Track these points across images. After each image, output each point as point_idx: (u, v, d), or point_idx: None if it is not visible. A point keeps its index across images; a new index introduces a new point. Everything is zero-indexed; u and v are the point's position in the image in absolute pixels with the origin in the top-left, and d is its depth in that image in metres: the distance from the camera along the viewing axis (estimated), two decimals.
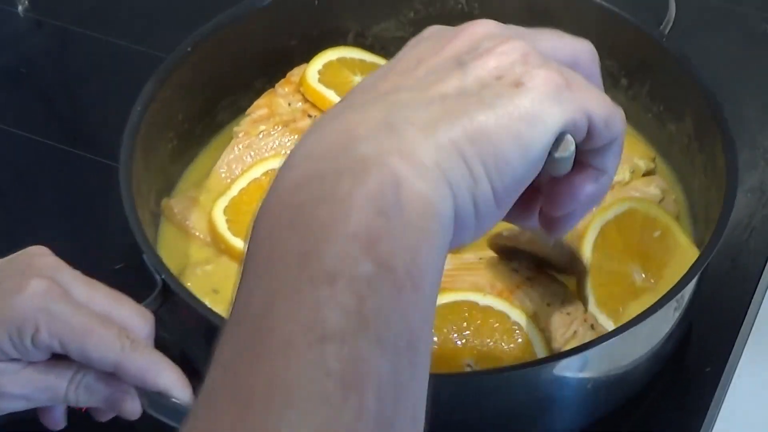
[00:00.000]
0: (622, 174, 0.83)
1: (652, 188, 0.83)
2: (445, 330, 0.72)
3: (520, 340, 0.72)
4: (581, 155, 0.51)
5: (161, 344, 0.65)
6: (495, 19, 0.50)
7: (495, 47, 0.47)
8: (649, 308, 0.67)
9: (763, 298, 0.85)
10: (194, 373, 0.63)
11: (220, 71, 0.91)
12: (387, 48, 0.97)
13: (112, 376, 0.62)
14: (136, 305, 0.65)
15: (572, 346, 0.68)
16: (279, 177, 0.45)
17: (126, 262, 0.72)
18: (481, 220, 0.46)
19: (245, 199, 0.83)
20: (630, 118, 0.89)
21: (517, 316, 0.73)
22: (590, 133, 0.49)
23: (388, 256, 0.41)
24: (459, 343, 0.72)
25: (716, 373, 0.79)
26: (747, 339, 0.82)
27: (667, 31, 0.86)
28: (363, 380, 0.39)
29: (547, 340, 0.73)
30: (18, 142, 1.00)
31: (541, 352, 0.72)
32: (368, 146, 0.43)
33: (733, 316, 0.83)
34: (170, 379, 0.61)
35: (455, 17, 0.95)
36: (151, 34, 1.10)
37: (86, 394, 0.63)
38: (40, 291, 0.60)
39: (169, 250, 0.82)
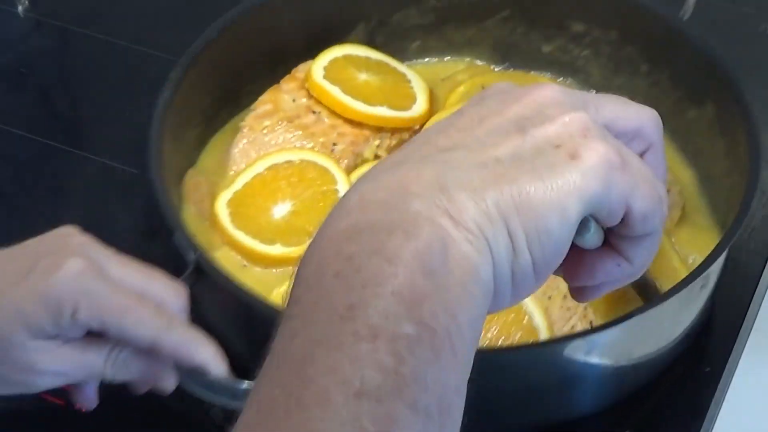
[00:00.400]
0: None
1: None
2: None
3: (522, 319, 0.73)
4: (611, 236, 0.50)
5: (194, 322, 0.66)
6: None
7: (558, 116, 0.47)
8: (674, 287, 0.68)
9: (763, 299, 0.85)
10: (226, 351, 0.65)
11: (244, 59, 0.92)
12: (396, 43, 0.97)
13: (147, 351, 0.63)
14: (169, 281, 0.66)
15: None
16: (330, 222, 0.45)
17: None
18: (517, 289, 0.46)
19: (249, 192, 0.84)
20: (645, 103, 0.91)
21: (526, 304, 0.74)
22: (625, 221, 0.48)
23: (431, 317, 0.42)
24: None
25: (716, 373, 0.79)
26: (747, 339, 0.82)
27: (686, 17, 0.87)
28: None
29: (550, 327, 0.74)
30: (18, 142, 1.00)
31: (543, 335, 0.73)
32: (420, 204, 0.44)
33: (733, 316, 0.83)
34: (206, 355, 0.63)
35: (476, 6, 0.96)
36: (151, 34, 1.10)
37: (123, 369, 0.64)
38: (77, 270, 0.61)
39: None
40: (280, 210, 0.83)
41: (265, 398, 0.41)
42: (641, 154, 0.51)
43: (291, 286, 0.45)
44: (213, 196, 0.85)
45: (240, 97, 0.93)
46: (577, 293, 0.54)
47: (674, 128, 0.88)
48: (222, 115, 0.93)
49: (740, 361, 0.81)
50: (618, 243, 0.50)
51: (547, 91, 0.48)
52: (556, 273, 0.50)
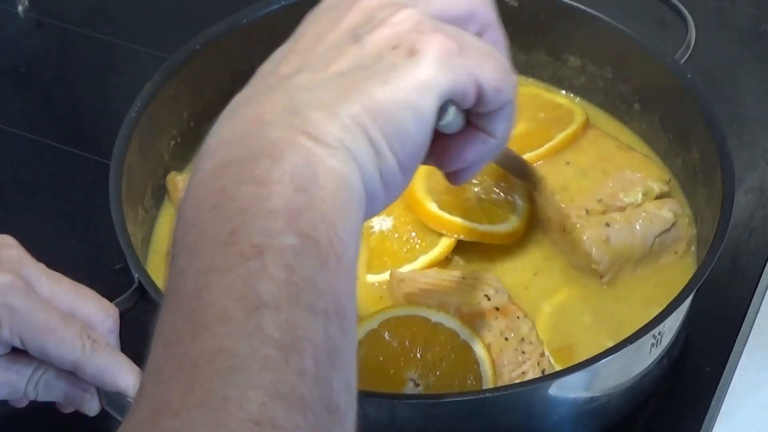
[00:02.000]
0: (635, 196, 0.81)
1: (664, 211, 0.81)
2: (393, 342, 0.73)
3: (467, 362, 0.72)
4: (471, 117, 0.52)
5: (134, 343, 0.65)
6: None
7: (388, 17, 0.48)
8: (626, 339, 0.67)
9: (763, 299, 0.85)
10: None
11: (229, 71, 0.91)
12: None
13: (72, 373, 0.62)
14: (99, 300, 0.65)
15: None
16: (197, 165, 0.46)
17: (126, 262, 0.73)
18: (389, 190, 0.48)
19: None
20: (648, 139, 0.90)
21: (468, 336, 0.73)
22: (479, 98, 0.50)
23: (311, 228, 0.43)
24: (404, 356, 0.72)
25: (716, 373, 0.79)
26: (747, 339, 0.82)
27: (684, 58, 0.86)
28: (301, 344, 0.41)
29: (497, 371, 0.72)
30: (18, 142, 1.00)
31: (486, 378, 0.71)
32: (278, 130, 0.45)
33: (733, 316, 0.83)
34: (128, 380, 0.62)
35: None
36: (152, 34, 1.10)
37: (45, 390, 0.63)
38: (3, 285, 0.60)
39: (164, 227, 0.85)
40: None
41: (168, 331, 0.42)
42: (480, 35, 0.53)
43: (173, 231, 0.46)
44: None
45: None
46: (452, 178, 0.56)
47: (674, 168, 0.87)
48: (206, 129, 0.92)
49: (740, 361, 0.81)
50: (478, 120, 0.52)
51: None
52: (426, 162, 0.52)
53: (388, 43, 0.48)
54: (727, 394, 0.79)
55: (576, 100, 0.95)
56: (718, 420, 0.77)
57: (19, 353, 0.62)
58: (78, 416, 0.71)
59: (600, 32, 0.89)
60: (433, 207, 0.81)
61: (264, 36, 0.90)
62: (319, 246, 0.43)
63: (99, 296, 0.65)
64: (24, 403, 0.67)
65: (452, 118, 0.51)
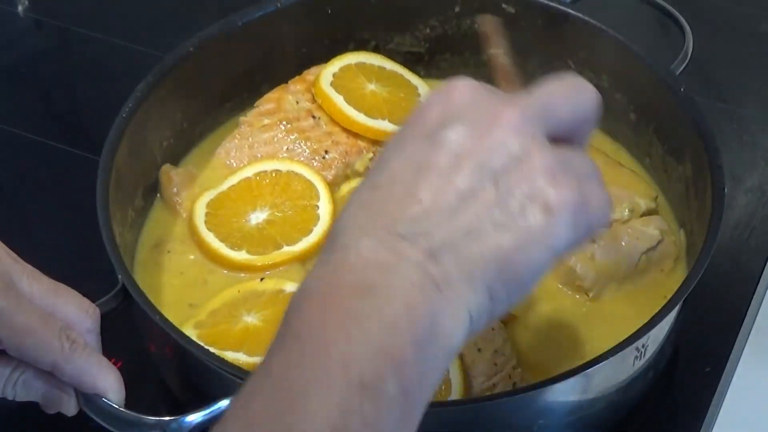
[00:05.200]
0: (621, 212, 0.81)
1: (650, 229, 0.81)
2: None
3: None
4: None
5: (115, 343, 0.65)
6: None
7: (526, 158, 0.50)
8: (608, 351, 0.67)
9: (763, 298, 0.85)
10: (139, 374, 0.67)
11: (223, 74, 0.92)
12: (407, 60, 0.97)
13: (51, 373, 0.62)
14: (80, 300, 0.64)
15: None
16: (334, 264, 0.49)
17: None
18: (486, 326, 0.52)
19: (231, 195, 0.84)
20: (636, 154, 0.89)
21: None
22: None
23: (409, 382, 0.47)
24: None
25: (716, 373, 0.79)
26: (747, 339, 0.82)
27: (682, 67, 0.85)
28: None
29: (468, 382, 0.72)
30: (18, 142, 1.00)
31: (456, 390, 0.71)
32: (415, 273, 0.48)
33: (733, 316, 0.83)
34: (106, 382, 0.62)
35: (470, 37, 0.94)
36: (151, 34, 1.10)
37: (23, 390, 0.63)
38: None
39: (155, 225, 0.85)
40: (257, 217, 0.83)
41: (253, 416, 0.45)
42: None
43: (287, 312, 0.48)
44: (193, 189, 0.86)
45: (219, 113, 0.94)
46: None
47: (662, 182, 0.87)
48: (200, 129, 0.93)
49: (740, 361, 0.81)
50: None
51: (509, 116, 0.51)
52: None
53: (525, 194, 0.50)
54: (727, 394, 0.79)
55: None
56: (718, 420, 0.77)
57: None
58: (80, 414, 0.71)
59: (596, 40, 0.88)
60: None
61: (258, 38, 0.91)
62: (407, 402, 0.47)
63: (79, 296, 0.65)
64: None
65: None
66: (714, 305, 0.83)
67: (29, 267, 0.63)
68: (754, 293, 0.84)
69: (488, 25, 0.75)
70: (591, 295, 0.79)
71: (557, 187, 0.50)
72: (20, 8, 1.16)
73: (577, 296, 0.80)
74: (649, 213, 0.82)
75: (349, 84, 0.90)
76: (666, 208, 0.86)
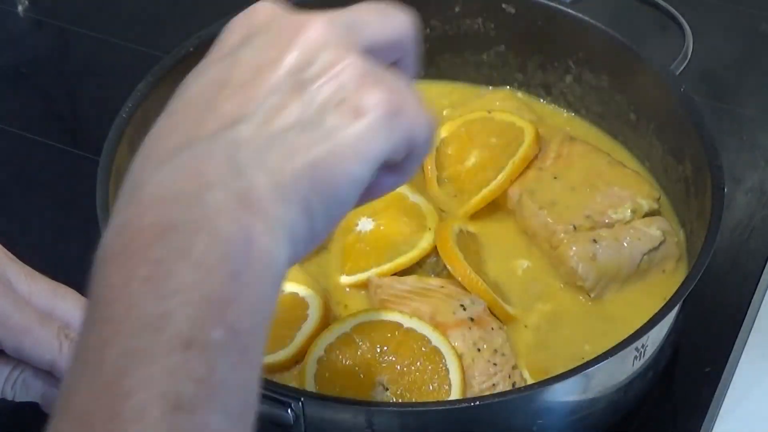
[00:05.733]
0: (623, 213, 0.81)
1: (653, 229, 0.81)
2: (363, 346, 0.73)
3: (438, 369, 0.72)
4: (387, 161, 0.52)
5: None
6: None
7: (333, 64, 0.48)
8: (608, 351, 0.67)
9: (763, 298, 0.85)
10: None
11: None
12: None
13: (50, 373, 0.62)
14: (78, 298, 0.64)
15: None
16: (130, 214, 0.45)
17: None
18: (310, 246, 0.48)
19: None
20: (638, 154, 0.89)
21: (439, 343, 0.72)
22: (407, 153, 0.50)
23: (236, 320, 0.42)
24: (375, 360, 0.72)
25: (716, 373, 0.79)
26: (747, 339, 0.82)
27: (682, 67, 0.85)
28: None
29: (467, 382, 0.72)
30: (18, 142, 1.00)
31: (455, 388, 0.71)
32: (220, 195, 0.44)
33: (733, 316, 0.83)
34: None
35: (471, 37, 0.95)
36: (151, 34, 1.10)
37: (23, 390, 0.63)
38: None
39: None
40: None
41: (80, 409, 0.41)
42: (399, 60, 0.53)
43: (91, 279, 0.44)
44: None
45: None
46: None
47: (663, 183, 0.87)
48: None
49: (740, 360, 0.81)
50: (394, 165, 0.51)
51: (315, 29, 0.48)
52: None
53: (333, 98, 0.47)
54: (727, 394, 0.79)
55: (564, 114, 0.95)
56: (718, 420, 0.77)
57: None
58: None
59: (596, 40, 0.88)
60: None
61: None
62: (240, 340, 0.42)
63: (78, 295, 0.64)
64: None
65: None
66: (714, 305, 0.83)
67: (27, 267, 0.63)
68: (754, 293, 0.84)
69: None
70: (592, 295, 0.79)
71: (367, 90, 0.47)
72: (20, 8, 1.16)
73: (579, 297, 0.80)
74: (651, 213, 0.82)
75: None
76: (668, 208, 0.85)
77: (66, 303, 0.63)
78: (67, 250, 0.88)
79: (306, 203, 0.46)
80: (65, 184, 0.97)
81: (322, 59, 0.48)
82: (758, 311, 0.84)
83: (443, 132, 0.90)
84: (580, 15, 0.89)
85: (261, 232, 0.44)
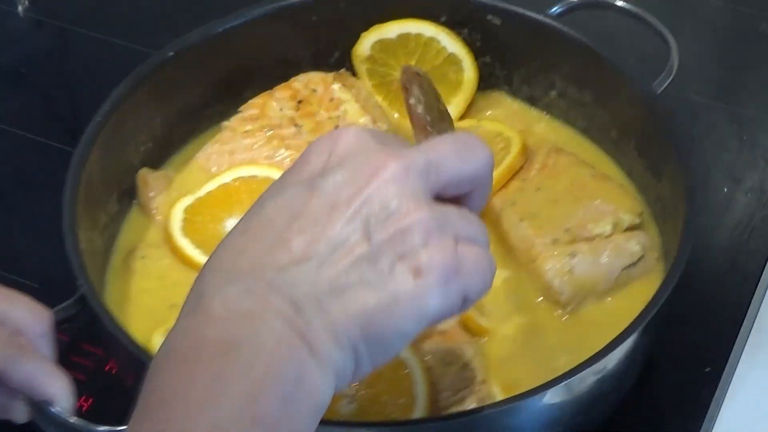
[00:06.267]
0: (603, 227, 0.79)
1: (632, 244, 0.79)
2: None
3: (403, 382, 0.70)
4: None
5: (73, 351, 0.67)
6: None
7: (403, 216, 0.49)
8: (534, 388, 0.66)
9: (763, 298, 0.85)
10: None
11: (204, 80, 0.92)
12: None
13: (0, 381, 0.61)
14: (31, 305, 0.64)
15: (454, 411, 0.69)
16: (195, 318, 0.48)
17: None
18: (352, 383, 0.51)
19: (209, 202, 0.84)
20: (626, 167, 0.88)
21: (407, 356, 0.71)
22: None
23: None
24: None
25: (716, 373, 0.79)
26: (747, 339, 0.82)
27: (663, 86, 0.84)
28: None
29: (434, 396, 0.71)
30: (18, 142, 1.00)
31: (421, 404, 0.70)
32: (281, 325, 0.47)
33: (733, 316, 0.83)
34: (55, 389, 0.61)
35: (486, 31, 0.94)
36: (152, 34, 1.10)
37: None
38: None
39: (130, 231, 0.85)
40: (233, 224, 0.82)
41: None
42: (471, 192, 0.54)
43: (151, 372, 0.47)
44: (170, 193, 0.86)
45: (201, 117, 0.93)
46: None
47: (649, 200, 0.85)
48: (179, 134, 0.92)
49: (740, 360, 0.81)
50: None
51: (393, 174, 0.50)
52: None
53: (396, 250, 0.49)
54: (727, 394, 0.79)
55: (554, 123, 0.93)
56: (718, 420, 0.77)
57: None
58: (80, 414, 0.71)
59: (580, 55, 0.88)
60: None
61: (238, 45, 0.90)
62: None
63: (31, 301, 0.64)
64: None
65: None
66: (714, 305, 0.82)
67: None
68: (754, 293, 0.84)
69: (406, 75, 0.77)
70: (568, 309, 0.78)
71: (430, 248, 0.49)
72: (20, 8, 1.16)
73: (556, 310, 0.79)
74: (633, 228, 0.81)
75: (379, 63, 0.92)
76: (651, 223, 0.84)
77: (18, 310, 0.63)
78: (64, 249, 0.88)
79: (355, 349, 0.49)
80: (65, 184, 0.97)
81: (392, 208, 0.49)
82: (758, 311, 0.84)
83: None
84: (564, 28, 0.88)
85: (312, 368, 0.47)
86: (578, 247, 0.79)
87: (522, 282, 0.80)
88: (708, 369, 0.80)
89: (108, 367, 0.79)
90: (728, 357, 0.80)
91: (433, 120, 0.74)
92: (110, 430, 0.63)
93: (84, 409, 0.76)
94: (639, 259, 0.80)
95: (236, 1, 0.92)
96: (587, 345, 0.70)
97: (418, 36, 0.92)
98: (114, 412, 0.76)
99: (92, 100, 1.06)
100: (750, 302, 0.84)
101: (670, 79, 0.84)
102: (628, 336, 0.68)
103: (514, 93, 0.95)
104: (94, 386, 0.78)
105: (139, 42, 1.09)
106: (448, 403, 0.70)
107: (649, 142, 0.83)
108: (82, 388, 0.77)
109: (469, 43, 0.92)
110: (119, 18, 1.14)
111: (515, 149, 0.85)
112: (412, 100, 0.75)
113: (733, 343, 0.81)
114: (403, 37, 0.92)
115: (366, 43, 0.92)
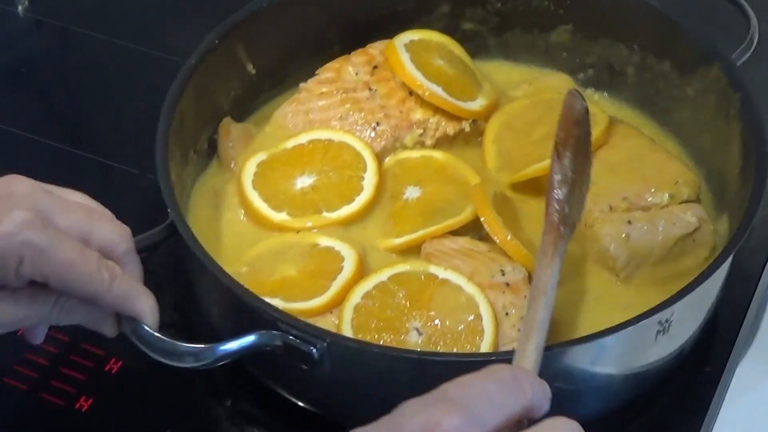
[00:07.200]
0: (661, 197, 0.81)
1: (688, 215, 0.81)
2: (399, 294, 0.75)
3: (471, 318, 0.74)
4: None
5: (157, 277, 0.70)
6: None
7: None
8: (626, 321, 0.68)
9: (762, 299, 0.85)
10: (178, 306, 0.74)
11: (297, 33, 0.95)
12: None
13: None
14: (114, 224, 0.68)
15: None
16: None
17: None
18: None
19: (282, 159, 0.87)
20: (687, 142, 0.89)
21: (474, 293, 0.75)
22: None
23: None
24: (410, 307, 0.74)
25: (716, 373, 0.79)
26: (747, 339, 0.82)
27: (746, 55, 0.84)
28: None
29: (496, 338, 0.74)
30: (18, 142, 1.00)
31: (487, 339, 0.73)
32: None
33: (733, 316, 0.83)
34: (144, 307, 0.66)
35: (540, 14, 0.96)
36: (151, 34, 1.10)
37: (67, 316, 0.67)
38: (21, 222, 0.62)
39: (211, 171, 0.90)
40: (303, 182, 0.85)
41: None
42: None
43: None
44: (248, 146, 0.89)
45: (287, 72, 0.96)
46: None
47: (708, 173, 0.87)
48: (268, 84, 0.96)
49: (741, 360, 0.81)
50: None
51: (451, 424, 0.52)
52: None
53: None
54: (727, 394, 0.79)
55: (609, 101, 0.95)
56: (718, 420, 0.77)
57: (40, 284, 0.64)
58: (81, 414, 0.71)
59: (658, 26, 0.89)
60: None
61: (330, 7, 0.95)
62: None
63: (113, 218, 0.68)
64: (40, 339, 0.70)
65: None
66: (714, 305, 0.82)
67: (63, 200, 0.66)
68: (754, 293, 0.84)
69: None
70: (622, 276, 0.80)
71: None
72: (20, 8, 1.16)
73: (609, 276, 0.80)
74: (689, 201, 0.82)
75: (420, 52, 0.92)
76: (709, 198, 0.85)
77: (102, 228, 0.66)
78: None
79: None
80: (65, 184, 0.97)
81: None
82: (758, 311, 0.84)
83: (515, 106, 0.92)
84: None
85: None
86: (635, 215, 0.80)
87: (576, 248, 0.81)
88: (708, 369, 0.80)
89: (108, 367, 0.79)
90: (728, 357, 0.80)
91: (571, 211, 0.70)
92: (192, 348, 0.66)
93: (84, 409, 0.77)
94: (694, 230, 0.81)
95: (237, 1, 0.92)
96: (640, 312, 0.71)
97: None
98: (114, 412, 0.78)
99: (92, 100, 1.06)
100: (750, 302, 0.84)
101: (750, 52, 0.85)
102: (696, 286, 0.70)
103: (592, 65, 0.97)
104: (94, 386, 0.78)
105: (140, 42, 1.09)
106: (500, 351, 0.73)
107: (726, 116, 0.84)
108: (82, 388, 0.78)
109: (551, 10, 0.95)
110: (119, 18, 1.14)
111: (602, 126, 0.86)
112: (557, 177, 0.70)
113: (734, 343, 0.81)
114: None
115: None
